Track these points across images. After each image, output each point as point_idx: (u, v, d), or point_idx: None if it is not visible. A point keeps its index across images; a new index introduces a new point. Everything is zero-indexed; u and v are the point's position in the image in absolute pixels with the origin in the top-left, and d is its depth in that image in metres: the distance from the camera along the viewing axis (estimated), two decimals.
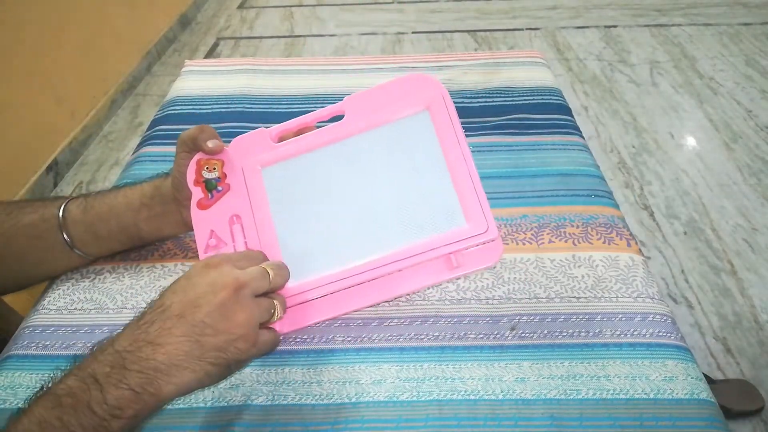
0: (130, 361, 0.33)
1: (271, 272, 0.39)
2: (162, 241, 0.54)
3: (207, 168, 0.46)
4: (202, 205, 0.46)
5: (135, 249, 0.53)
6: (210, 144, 0.45)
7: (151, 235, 0.51)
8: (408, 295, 0.46)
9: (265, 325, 0.39)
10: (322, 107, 0.47)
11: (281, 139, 0.47)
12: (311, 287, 0.42)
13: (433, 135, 0.45)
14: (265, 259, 0.42)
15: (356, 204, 0.44)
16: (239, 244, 0.44)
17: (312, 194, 0.45)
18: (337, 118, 0.46)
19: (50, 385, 0.33)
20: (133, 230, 0.49)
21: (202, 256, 0.44)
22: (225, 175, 0.46)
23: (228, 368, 0.36)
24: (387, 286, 0.44)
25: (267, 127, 0.47)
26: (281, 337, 0.41)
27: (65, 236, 0.48)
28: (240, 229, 0.45)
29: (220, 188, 0.46)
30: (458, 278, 0.46)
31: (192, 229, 0.49)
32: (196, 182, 0.46)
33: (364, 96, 0.46)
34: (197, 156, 0.46)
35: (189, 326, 0.34)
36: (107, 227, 0.49)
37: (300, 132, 0.47)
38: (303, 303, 0.43)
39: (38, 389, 0.33)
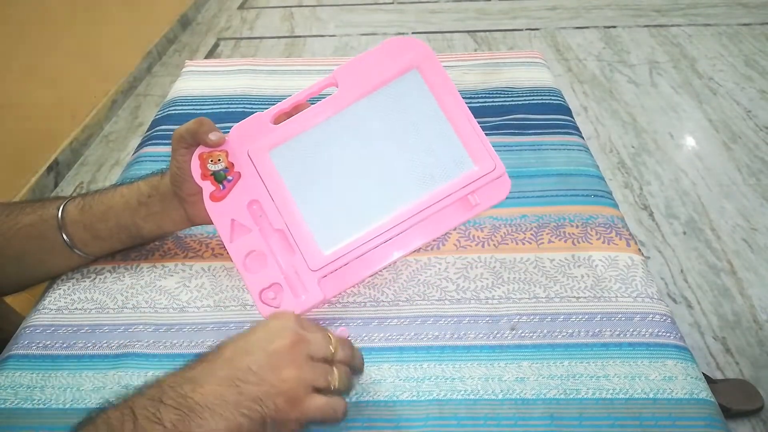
0: (169, 396, 0.32)
1: (334, 341, 0.37)
2: (164, 237, 0.54)
3: (212, 161, 0.46)
4: (215, 198, 0.46)
5: (135, 249, 0.53)
6: (213, 137, 0.45)
7: (152, 233, 0.51)
8: (436, 240, 0.50)
9: (322, 393, 0.35)
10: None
11: (278, 122, 0.48)
12: (344, 252, 0.45)
13: (426, 91, 0.47)
14: (340, 345, 0.38)
15: (368, 169, 0.47)
16: (264, 227, 0.46)
17: (324, 167, 0.47)
18: (328, 94, 0.48)
19: (94, 414, 0.32)
20: (133, 229, 0.49)
21: (228, 246, 0.46)
22: (232, 165, 0.47)
23: (263, 425, 0.33)
24: (415, 236, 0.48)
25: (261, 111, 0.48)
26: (326, 304, 0.44)
27: (65, 236, 0.48)
28: (262, 213, 0.47)
29: (230, 178, 0.47)
30: (480, 215, 0.49)
31: (196, 224, 0.51)
32: (204, 176, 0.46)
33: (353, 65, 0.48)
34: (198, 150, 0.46)
35: (233, 369, 0.33)
36: (107, 227, 0.49)
37: (294, 111, 0.48)
38: (340, 268, 0.46)
39: (85, 416, 0.33)
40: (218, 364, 0.33)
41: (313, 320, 0.40)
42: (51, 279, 0.52)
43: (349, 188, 0.47)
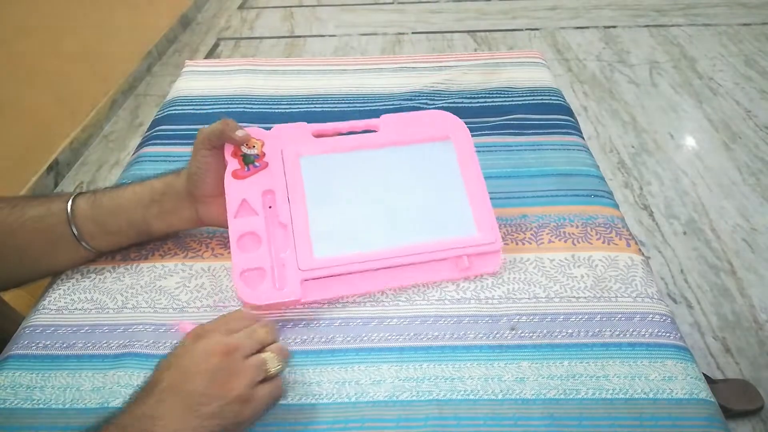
0: None
1: (259, 331, 0.39)
2: (172, 236, 0.55)
3: (246, 145, 0.50)
4: (236, 175, 0.49)
5: (135, 249, 0.53)
6: (240, 133, 0.48)
7: (161, 231, 0.52)
8: (418, 285, 0.49)
9: (265, 381, 0.38)
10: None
11: (317, 137, 0.53)
12: (335, 264, 0.47)
13: (455, 160, 0.52)
14: (254, 319, 0.41)
15: (382, 201, 0.51)
16: (270, 216, 0.49)
17: (343, 187, 0.51)
18: (368, 132, 0.53)
19: None
20: (143, 226, 0.50)
21: (230, 220, 0.48)
22: (264, 154, 0.50)
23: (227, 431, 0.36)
24: (401, 274, 0.49)
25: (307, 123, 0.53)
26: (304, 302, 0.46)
27: (73, 229, 0.48)
28: (272, 204, 0.49)
29: (257, 164, 0.50)
30: (465, 278, 0.50)
31: (205, 225, 0.52)
32: (234, 154, 0.50)
33: (398, 117, 0.54)
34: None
35: (183, 396, 0.35)
36: (117, 222, 0.49)
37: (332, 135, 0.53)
38: (326, 277, 0.47)
39: None
40: (167, 395, 0.35)
41: (233, 314, 0.41)
42: (52, 275, 0.52)
43: (359, 211, 0.50)
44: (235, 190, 0.49)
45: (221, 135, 0.48)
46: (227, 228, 0.49)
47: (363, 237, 0.49)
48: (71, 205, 0.48)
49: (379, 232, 0.49)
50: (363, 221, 0.50)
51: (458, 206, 0.50)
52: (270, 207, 0.49)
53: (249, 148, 0.50)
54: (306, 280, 0.47)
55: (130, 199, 0.49)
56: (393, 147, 0.53)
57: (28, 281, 0.52)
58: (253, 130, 0.51)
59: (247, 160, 0.50)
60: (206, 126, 0.49)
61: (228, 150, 0.50)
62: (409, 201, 0.51)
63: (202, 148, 0.48)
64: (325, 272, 0.47)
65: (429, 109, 0.72)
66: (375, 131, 0.53)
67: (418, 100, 0.74)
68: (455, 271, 0.49)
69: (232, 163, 0.49)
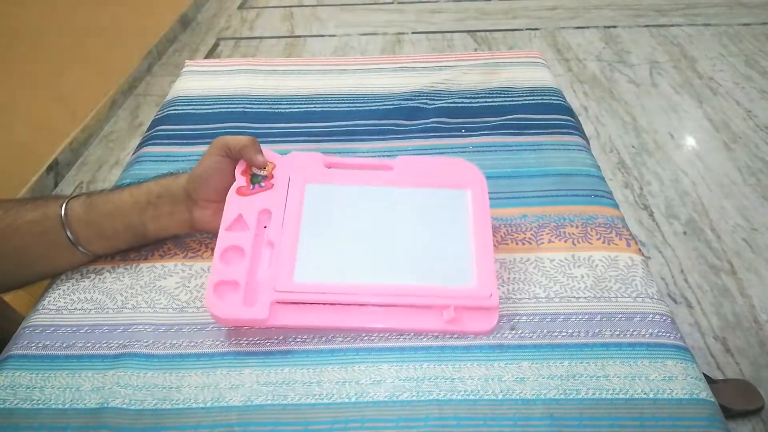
0: None
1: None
2: (166, 239, 0.54)
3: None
4: (240, 192, 0.50)
5: (135, 249, 0.53)
6: (260, 157, 0.50)
7: (156, 234, 0.51)
8: (397, 332, 0.46)
9: None
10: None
11: (329, 167, 0.53)
12: (311, 290, 0.45)
13: (468, 210, 0.51)
14: None
15: (381, 238, 0.49)
16: (260, 234, 0.48)
17: (344, 217, 0.50)
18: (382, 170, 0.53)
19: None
20: (139, 229, 0.50)
21: (221, 232, 0.47)
22: (272, 176, 0.51)
23: None
24: (380, 316, 0.46)
25: (321, 153, 0.53)
26: (269, 325, 0.44)
27: (69, 234, 0.48)
28: (267, 223, 0.49)
29: (263, 184, 0.50)
30: (450, 332, 0.45)
31: (196, 230, 0.52)
32: (244, 172, 0.51)
33: (415, 160, 0.54)
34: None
35: None
36: (112, 226, 0.49)
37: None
38: (301, 303, 0.45)
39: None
40: None
41: None
42: (51, 277, 0.52)
43: (353, 244, 0.48)
44: (235, 204, 0.49)
45: (242, 150, 0.49)
46: (216, 229, 0.49)
47: (350, 270, 0.47)
48: (66, 209, 0.48)
49: (368, 268, 0.47)
50: (354, 254, 0.48)
51: (459, 256, 0.48)
52: (264, 227, 0.49)
53: (260, 169, 0.50)
54: (279, 303, 0.45)
55: (127, 201, 0.49)
56: (405, 188, 0.52)
57: (26, 284, 0.51)
58: (269, 153, 0.51)
59: (254, 180, 0.50)
60: (230, 136, 0.50)
61: (240, 167, 0.50)
62: (409, 242, 0.49)
63: (216, 153, 0.49)
64: (300, 297, 0.45)
65: (429, 108, 0.72)
66: (389, 170, 0.53)
67: (418, 100, 0.74)
68: (444, 323, 0.45)
69: (240, 180, 0.50)
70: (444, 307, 0.45)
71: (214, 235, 0.53)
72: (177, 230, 0.52)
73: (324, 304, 0.45)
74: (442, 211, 0.51)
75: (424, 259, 0.48)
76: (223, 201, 0.50)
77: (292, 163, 0.52)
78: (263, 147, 0.51)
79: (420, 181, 0.52)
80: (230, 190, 0.49)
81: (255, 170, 0.50)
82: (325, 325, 0.45)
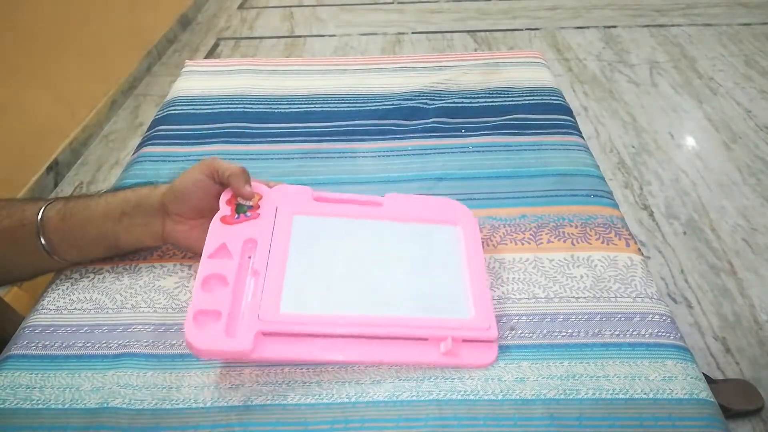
0: None
1: None
2: (138, 251, 0.53)
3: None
4: (224, 220, 0.48)
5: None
6: (248, 189, 0.48)
7: (128, 246, 0.51)
8: (390, 365, 0.43)
9: None
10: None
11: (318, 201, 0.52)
12: (298, 321, 0.43)
13: (460, 245, 0.50)
14: None
15: (371, 270, 0.47)
16: (244, 263, 0.46)
17: (331, 251, 0.48)
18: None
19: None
20: (112, 240, 0.49)
21: (204, 260, 0.45)
22: (258, 206, 0.49)
23: None
24: (373, 348, 0.43)
25: (309, 186, 0.52)
26: (253, 358, 0.41)
27: (43, 243, 0.47)
28: (252, 253, 0.47)
29: (248, 214, 0.49)
30: (449, 366, 0.43)
31: (167, 243, 0.52)
32: (229, 202, 0.49)
33: (405, 198, 0.53)
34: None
35: None
36: (86, 235, 0.48)
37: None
38: (287, 335, 0.42)
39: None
40: None
41: None
42: (31, 279, 0.52)
43: (343, 276, 0.47)
44: (218, 233, 0.47)
45: (231, 178, 0.48)
46: (188, 250, 0.49)
47: (340, 301, 0.44)
48: (41, 218, 0.47)
49: (359, 300, 0.45)
50: (344, 286, 0.46)
51: (454, 289, 0.46)
52: (249, 257, 0.46)
53: (247, 200, 0.49)
54: (264, 334, 0.41)
55: (102, 210, 0.48)
56: (395, 222, 0.51)
57: (2, 284, 0.51)
58: (256, 185, 0.50)
59: (240, 210, 0.49)
60: (221, 160, 0.48)
61: (225, 196, 0.49)
62: (401, 275, 0.47)
63: (202, 172, 0.48)
64: (286, 328, 0.42)
65: (429, 108, 0.72)
66: (379, 206, 0.52)
67: (418, 100, 0.74)
68: (440, 357, 0.43)
69: (225, 209, 0.48)
70: (441, 338, 0.43)
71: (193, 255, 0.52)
72: (151, 242, 0.51)
73: (313, 336, 0.42)
74: (433, 244, 0.50)
75: (417, 291, 0.46)
76: (197, 219, 0.49)
77: (279, 194, 0.51)
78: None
79: (410, 216, 0.52)
80: (214, 218, 0.47)
81: (240, 200, 0.49)
82: (314, 358, 0.43)
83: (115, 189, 0.50)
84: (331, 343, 0.43)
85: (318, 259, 0.47)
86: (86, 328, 0.47)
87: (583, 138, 0.68)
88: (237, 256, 0.45)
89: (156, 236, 0.50)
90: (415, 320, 0.44)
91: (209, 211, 0.48)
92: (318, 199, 0.52)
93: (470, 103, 0.73)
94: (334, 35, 2.36)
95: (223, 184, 0.49)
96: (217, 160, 0.48)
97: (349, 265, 0.47)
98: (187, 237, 0.49)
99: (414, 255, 0.49)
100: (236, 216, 0.48)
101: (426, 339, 0.43)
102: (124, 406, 0.41)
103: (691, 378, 0.42)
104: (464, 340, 0.43)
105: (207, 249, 0.45)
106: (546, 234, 0.54)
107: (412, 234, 0.50)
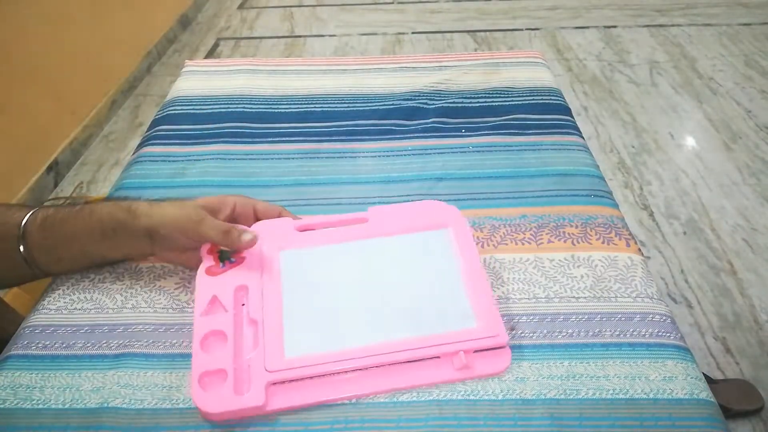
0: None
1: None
2: (131, 260, 0.53)
3: None
4: (210, 272, 0.46)
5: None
6: (245, 238, 0.46)
7: (118, 260, 0.51)
8: (408, 388, 0.42)
9: None
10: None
11: (302, 231, 0.50)
12: (307, 364, 0.41)
13: (452, 248, 0.48)
14: None
15: (366, 297, 0.46)
16: (240, 313, 0.45)
17: (324, 282, 0.47)
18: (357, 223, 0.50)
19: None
20: (97, 258, 0.49)
21: (196, 318, 0.44)
22: None
23: None
24: (387, 375, 0.42)
25: (293, 219, 0.51)
26: (268, 411, 0.40)
27: (26, 259, 0.46)
28: (245, 301, 0.45)
29: (233, 260, 0.47)
30: (466, 379, 0.42)
31: (158, 259, 0.51)
32: (210, 251, 0.48)
33: (389, 209, 0.52)
34: None
35: None
36: (70, 252, 0.48)
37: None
38: (297, 380, 0.41)
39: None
40: None
41: None
42: (17, 285, 0.52)
43: (342, 307, 0.45)
44: (207, 286, 0.45)
45: (224, 243, 0.46)
46: (183, 266, 0.49)
47: (343, 335, 0.43)
48: (23, 231, 0.46)
49: (363, 330, 0.43)
50: (344, 317, 0.44)
51: (455, 298, 0.45)
52: (243, 304, 0.45)
53: (250, 247, 0.47)
54: (273, 384, 0.41)
55: (82, 229, 0.47)
56: (383, 238, 0.49)
57: None
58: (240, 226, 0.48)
59: (222, 257, 0.47)
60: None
61: (205, 246, 0.48)
62: (399, 294, 0.46)
63: (186, 234, 0.46)
64: (295, 374, 0.41)
65: (429, 108, 0.72)
66: (364, 223, 0.50)
67: (418, 100, 0.74)
68: (454, 372, 0.42)
69: (207, 260, 0.47)
70: (453, 354, 0.42)
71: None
72: (139, 258, 0.51)
73: (323, 375, 0.42)
74: (426, 255, 0.48)
75: (417, 308, 0.45)
76: (185, 252, 0.49)
77: (260, 232, 0.48)
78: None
79: (397, 228, 0.50)
80: (199, 271, 0.46)
81: (222, 247, 0.47)
82: (329, 398, 0.41)
83: (92, 205, 0.47)
84: (344, 379, 0.42)
85: (313, 294, 0.46)
86: (86, 328, 0.47)
87: (583, 138, 0.68)
88: (231, 308, 0.44)
89: (145, 253, 0.49)
90: (422, 340, 0.42)
91: (200, 244, 0.48)
92: (301, 229, 0.50)
93: (470, 103, 0.73)
94: (334, 35, 2.36)
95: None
96: (204, 225, 0.45)
97: (346, 294, 0.46)
98: (179, 258, 0.50)
99: (407, 270, 0.48)
100: (221, 265, 0.47)
101: (438, 357, 0.42)
102: (124, 406, 0.41)
103: (691, 378, 0.42)
104: (475, 351, 0.43)
105: (198, 306, 0.44)
106: (546, 234, 0.54)
107: (403, 247, 0.49)
